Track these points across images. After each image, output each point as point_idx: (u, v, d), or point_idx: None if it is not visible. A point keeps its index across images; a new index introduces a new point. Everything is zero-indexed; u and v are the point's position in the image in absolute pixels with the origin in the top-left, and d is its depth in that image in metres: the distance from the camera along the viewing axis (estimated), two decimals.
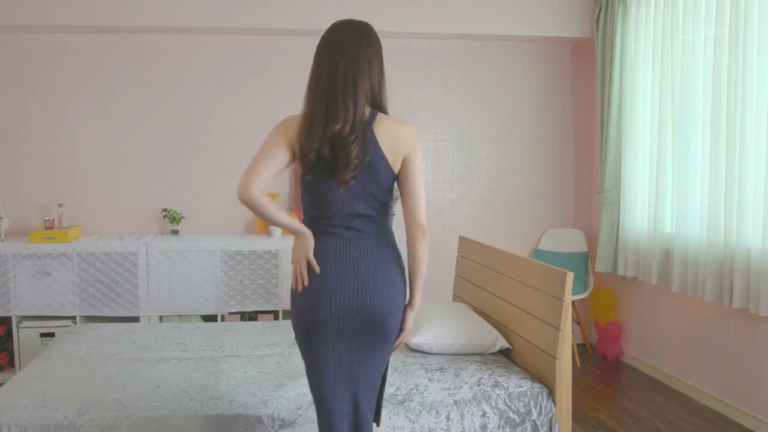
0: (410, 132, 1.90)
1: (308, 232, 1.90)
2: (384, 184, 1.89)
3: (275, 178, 1.93)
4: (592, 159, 4.83)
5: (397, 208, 2.00)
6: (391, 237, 1.96)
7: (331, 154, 1.82)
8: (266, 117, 4.45)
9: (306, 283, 1.87)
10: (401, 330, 1.96)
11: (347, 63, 1.84)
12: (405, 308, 1.95)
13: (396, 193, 1.96)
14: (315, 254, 1.88)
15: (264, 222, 1.96)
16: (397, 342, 1.96)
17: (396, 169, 1.89)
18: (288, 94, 4.44)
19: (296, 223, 1.93)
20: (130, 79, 4.36)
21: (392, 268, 1.91)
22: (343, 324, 1.84)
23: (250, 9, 4.16)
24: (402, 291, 1.93)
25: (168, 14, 4.10)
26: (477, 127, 4.70)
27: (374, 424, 2.07)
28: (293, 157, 1.90)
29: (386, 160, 1.87)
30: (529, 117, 4.77)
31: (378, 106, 1.92)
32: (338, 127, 1.80)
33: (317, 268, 1.86)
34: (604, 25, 4.33)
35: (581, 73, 4.80)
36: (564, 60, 4.78)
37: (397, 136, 1.87)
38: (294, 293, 1.93)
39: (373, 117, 1.88)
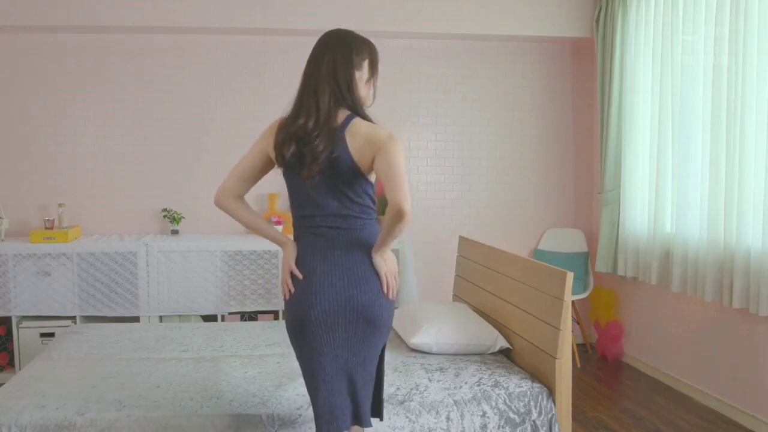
0: (384, 133, 1.92)
1: (288, 241, 2.04)
2: (353, 184, 1.95)
3: (254, 183, 2.10)
4: (592, 159, 4.83)
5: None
6: (373, 235, 2.00)
7: (299, 149, 1.92)
8: (266, 117, 4.41)
9: (292, 290, 1.97)
10: (390, 309, 1.99)
11: (314, 66, 1.97)
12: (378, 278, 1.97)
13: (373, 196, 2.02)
14: (300, 253, 1.99)
15: (244, 227, 2.08)
16: (385, 287, 1.96)
17: (364, 167, 1.93)
18: (288, 94, 4.38)
19: (275, 233, 2.09)
20: (130, 79, 4.36)
21: (369, 267, 1.96)
22: (334, 318, 1.90)
23: (250, 9, 4.16)
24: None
25: (168, 14, 4.10)
26: (477, 127, 4.70)
27: (377, 419, 2.09)
28: (272, 161, 2.03)
29: (349, 155, 1.91)
30: (529, 117, 4.77)
31: (353, 109, 1.96)
32: (302, 122, 1.91)
33: (299, 275, 1.96)
34: (604, 25, 4.33)
35: (581, 73, 4.80)
36: (564, 60, 4.78)
37: (369, 136, 1.91)
38: (286, 300, 2.01)
39: (348, 120, 1.94)
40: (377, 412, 2.11)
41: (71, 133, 4.33)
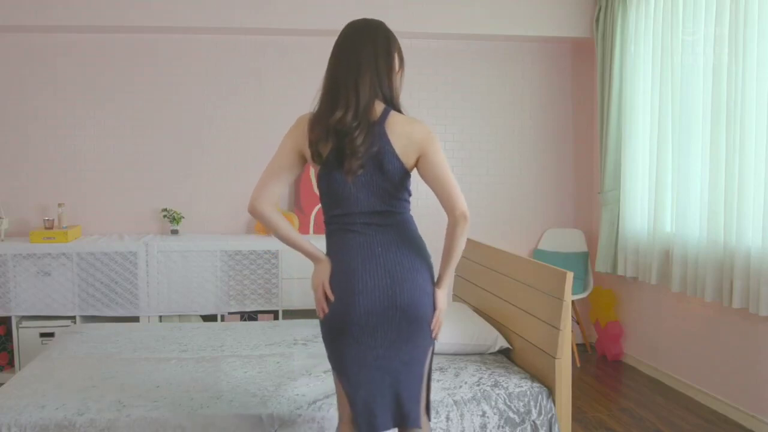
0: (423, 129, 1.91)
1: (323, 257, 1.95)
2: (396, 181, 1.91)
3: (287, 185, 2.01)
4: (592, 159, 4.83)
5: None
6: (411, 228, 1.98)
7: (337, 142, 1.85)
8: (266, 117, 4.47)
9: (326, 310, 1.90)
10: (434, 310, 1.95)
11: (352, 58, 1.88)
12: (433, 290, 1.95)
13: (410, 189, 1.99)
14: (338, 253, 1.92)
15: (277, 238, 1.99)
16: (434, 323, 1.94)
17: (409, 166, 1.91)
18: (287, 94, 4.44)
19: (310, 247, 1.98)
20: (130, 79, 4.36)
21: (416, 256, 1.93)
22: (377, 319, 1.85)
23: (250, 9, 4.16)
24: (428, 278, 1.94)
25: (168, 14, 4.10)
26: (477, 127, 4.70)
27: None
28: (305, 158, 1.94)
29: (398, 158, 1.88)
30: (529, 117, 4.77)
31: (389, 102, 1.93)
32: (339, 114, 1.83)
33: (331, 296, 1.88)
34: (604, 24, 4.33)
35: (581, 73, 4.80)
36: (564, 60, 4.78)
37: (411, 135, 1.89)
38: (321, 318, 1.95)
39: (385, 114, 1.90)
40: (425, 412, 2.04)
41: (71, 133, 4.33)
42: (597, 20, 4.38)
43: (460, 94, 4.67)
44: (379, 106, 1.90)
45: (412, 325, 1.87)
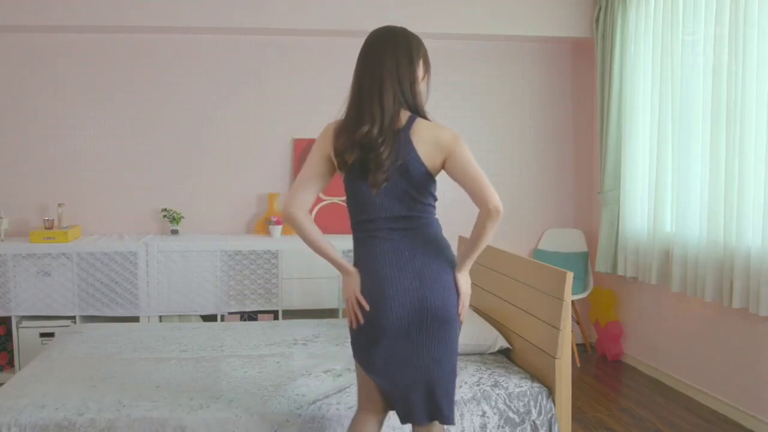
0: (449, 135, 1.92)
1: (352, 270, 1.98)
2: (421, 186, 1.94)
3: (321, 191, 2.02)
4: (592, 159, 4.83)
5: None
6: (436, 232, 2.01)
7: (362, 156, 1.88)
8: (266, 117, 4.47)
9: (361, 320, 1.93)
10: (457, 294, 1.97)
11: (375, 70, 1.90)
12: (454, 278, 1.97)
13: (435, 192, 2.01)
14: (368, 261, 1.95)
15: (309, 245, 2.01)
16: (460, 308, 1.97)
17: (434, 170, 1.94)
18: (287, 94, 4.44)
19: (340, 258, 2.01)
20: (130, 79, 4.36)
21: (442, 259, 1.96)
22: (409, 322, 1.89)
23: (250, 9, 4.16)
24: (454, 278, 1.97)
25: (168, 14, 4.10)
26: (477, 127, 4.70)
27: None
28: (334, 166, 1.97)
29: (422, 164, 1.90)
30: (529, 117, 4.77)
31: (414, 109, 1.94)
32: (366, 129, 1.85)
33: (366, 306, 1.91)
34: (604, 24, 4.33)
35: (581, 73, 4.80)
36: (564, 60, 4.78)
37: (436, 139, 1.91)
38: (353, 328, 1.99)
39: (411, 122, 1.91)
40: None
41: (71, 133, 4.33)
42: (597, 20, 4.38)
43: (460, 94, 4.67)
44: (404, 115, 1.92)
45: (443, 325, 1.91)
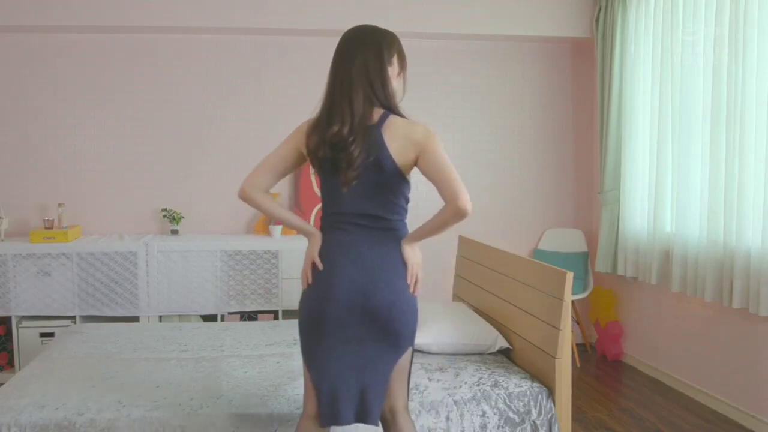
0: (423, 128, 1.91)
1: (315, 232, 2.01)
2: (393, 185, 1.93)
3: (283, 177, 2.04)
4: (592, 159, 4.83)
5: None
6: (402, 234, 1.99)
7: (334, 154, 1.88)
8: (266, 117, 4.47)
9: (310, 281, 1.96)
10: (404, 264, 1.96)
11: (345, 71, 1.91)
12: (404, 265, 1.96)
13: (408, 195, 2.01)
14: (326, 247, 1.96)
15: (269, 218, 2.04)
16: (410, 279, 1.95)
17: (406, 169, 1.92)
18: (287, 94, 4.44)
19: (302, 222, 2.06)
20: (130, 79, 4.36)
21: (399, 262, 1.94)
22: (348, 314, 1.89)
23: (250, 9, 4.16)
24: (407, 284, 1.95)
25: (168, 14, 4.10)
26: (477, 127, 4.70)
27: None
28: (305, 158, 2.00)
29: (394, 162, 1.89)
30: (529, 117, 4.77)
31: (388, 107, 1.94)
32: (336, 129, 1.86)
33: (320, 265, 1.94)
34: (604, 24, 4.33)
35: (581, 73, 4.80)
36: (564, 60, 4.78)
37: (408, 135, 1.90)
38: (304, 289, 2.00)
39: (384, 118, 1.91)
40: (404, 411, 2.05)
41: (71, 133, 4.33)
42: (597, 20, 4.38)
43: (460, 94, 4.67)
44: (377, 112, 1.92)
45: (382, 326, 1.90)
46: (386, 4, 4.22)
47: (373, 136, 1.87)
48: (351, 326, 1.90)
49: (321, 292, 1.91)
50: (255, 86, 4.45)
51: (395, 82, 1.98)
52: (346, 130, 1.86)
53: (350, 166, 1.87)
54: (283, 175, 2.03)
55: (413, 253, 1.98)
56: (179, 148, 4.42)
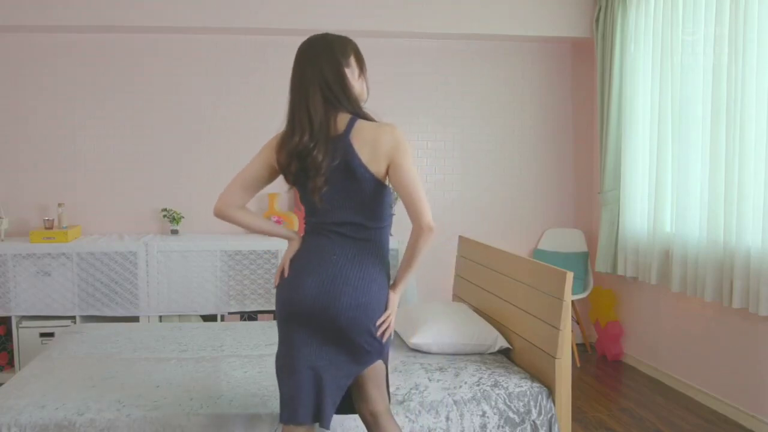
0: (390, 134, 1.90)
1: (295, 236, 2.05)
2: (368, 192, 1.92)
3: (257, 192, 2.08)
4: (592, 159, 4.83)
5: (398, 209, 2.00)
6: (381, 245, 1.99)
7: (301, 164, 1.90)
8: (266, 117, 4.45)
9: (276, 282, 2.02)
10: (385, 310, 1.97)
11: (300, 77, 1.96)
12: (385, 301, 1.97)
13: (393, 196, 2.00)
14: (300, 252, 1.99)
15: (249, 231, 2.08)
16: (381, 322, 1.94)
17: (380, 175, 1.91)
18: (287, 94, 4.43)
19: (280, 229, 2.10)
20: (130, 79, 4.36)
21: (371, 271, 1.93)
22: (309, 317, 1.90)
23: (250, 9, 4.16)
24: (377, 293, 1.94)
25: (168, 14, 4.10)
26: (477, 127, 4.70)
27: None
28: (277, 172, 2.01)
29: (366, 168, 1.89)
30: (529, 117, 4.77)
31: (351, 110, 1.93)
32: (297, 138, 1.89)
33: (287, 272, 1.97)
34: (604, 25, 4.33)
35: (581, 73, 4.80)
36: (564, 60, 4.78)
37: (377, 141, 1.89)
38: (277, 287, 2.03)
39: (351, 124, 1.90)
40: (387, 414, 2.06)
41: (71, 133, 4.33)
42: (597, 20, 4.38)
43: (460, 94, 4.67)
44: (343, 119, 1.91)
45: (343, 333, 1.90)
46: (386, 4, 4.22)
47: (339, 146, 1.87)
48: (312, 330, 1.91)
49: (291, 293, 1.93)
50: (255, 86, 4.45)
51: (357, 84, 1.98)
52: (306, 137, 1.87)
53: (317, 172, 1.87)
54: (258, 190, 2.06)
55: (393, 303, 1.98)
56: (179, 148, 4.42)
